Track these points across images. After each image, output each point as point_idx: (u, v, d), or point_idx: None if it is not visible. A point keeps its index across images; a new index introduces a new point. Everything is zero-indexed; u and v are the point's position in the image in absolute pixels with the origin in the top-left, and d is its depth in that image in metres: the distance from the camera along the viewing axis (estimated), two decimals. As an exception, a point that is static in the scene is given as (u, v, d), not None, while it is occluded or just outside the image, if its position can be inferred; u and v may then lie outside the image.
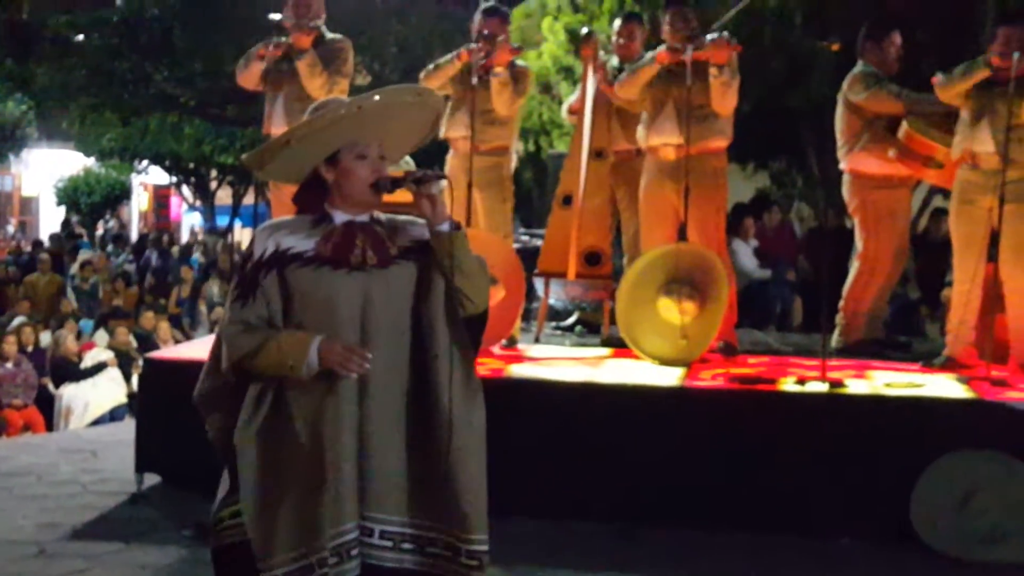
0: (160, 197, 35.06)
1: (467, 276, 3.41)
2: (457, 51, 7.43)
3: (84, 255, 19.85)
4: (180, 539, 5.92)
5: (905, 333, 9.18)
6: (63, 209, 30.61)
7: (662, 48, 7.15)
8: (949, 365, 6.92)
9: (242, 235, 26.40)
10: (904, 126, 7.23)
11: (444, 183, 3.44)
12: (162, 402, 6.69)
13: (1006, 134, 6.49)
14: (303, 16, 7.22)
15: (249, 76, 7.34)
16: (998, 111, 6.55)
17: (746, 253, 11.52)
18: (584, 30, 8.31)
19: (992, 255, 6.76)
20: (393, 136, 3.54)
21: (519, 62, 7.46)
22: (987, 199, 6.66)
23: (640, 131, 7.37)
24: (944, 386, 6.50)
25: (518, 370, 6.87)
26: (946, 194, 11.87)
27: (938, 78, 7.06)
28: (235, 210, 25.70)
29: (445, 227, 3.36)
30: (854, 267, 7.70)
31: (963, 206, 6.83)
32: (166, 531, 6.07)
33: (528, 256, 7.89)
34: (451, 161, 7.39)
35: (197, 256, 20.69)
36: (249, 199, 25.15)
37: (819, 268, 12.26)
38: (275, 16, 7.28)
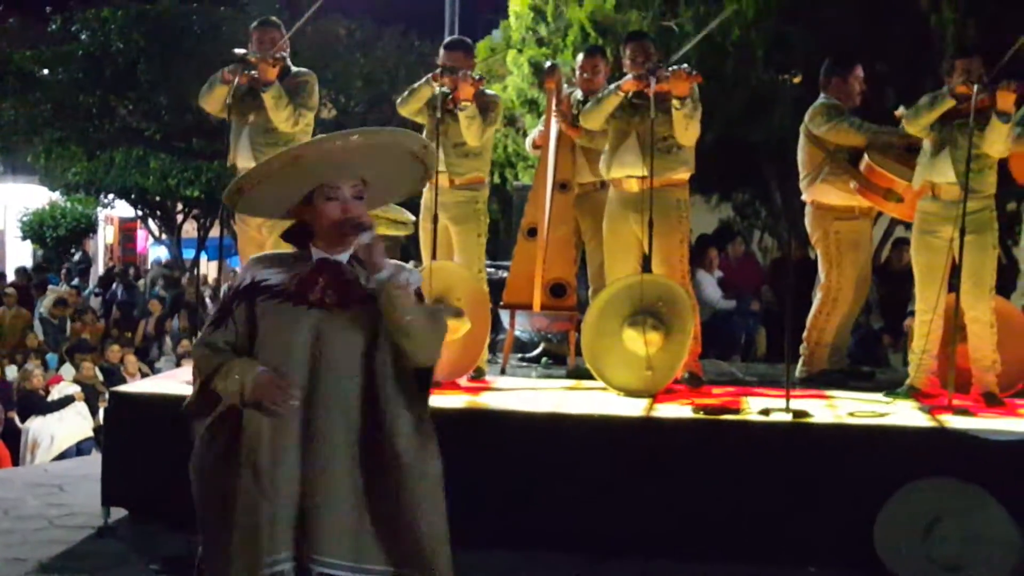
0: (126, 230, 34.77)
1: (404, 332, 3.37)
2: (430, 74, 7.43)
3: (53, 290, 19.73)
4: (147, 573, 5.90)
5: (868, 362, 9.23)
6: (28, 243, 30.38)
7: (627, 77, 7.16)
8: (912, 394, 6.96)
9: (208, 268, 26.32)
10: (865, 159, 7.29)
11: (366, 236, 3.36)
12: (128, 436, 6.67)
13: (967, 165, 6.56)
14: (268, 50, 7.19)
15: (212, 100, 7.27)
16: (958, 143, 6.62)
17: (710, 284, 11.57)
18: (548, 63, 8.32)
19: (953, 285, 6.81)
20: (375, 178, 3.51)
21: (487, 91, 7.46)
22: (947, 230, 6.70)
23: (603, 163, 7.39)
24: (907, 415, 6.54)
25: (485, 401, 6.86)
26: (908, 224, 12.15)
27: (902, 111, 7.15)
28: (201, 243, 25.57)
29: (375, 281, 3.35)
30: (817, 298, 7.74)
31: (924, 237, 6.89)
32: (133, 565, 6.03)
33: (494, 288, 7.86)
34: (425, 194, 7.33)
35: (158, 289, 20.58)
36: (215, 232, 25.10)
37: (783, 298, 12.36)
38: (240, 51, 7.23)
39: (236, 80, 7.08)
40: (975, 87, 6.51)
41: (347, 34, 18.83)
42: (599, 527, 6.12)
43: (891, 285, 11.18)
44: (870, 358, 10.02)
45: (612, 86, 7.25)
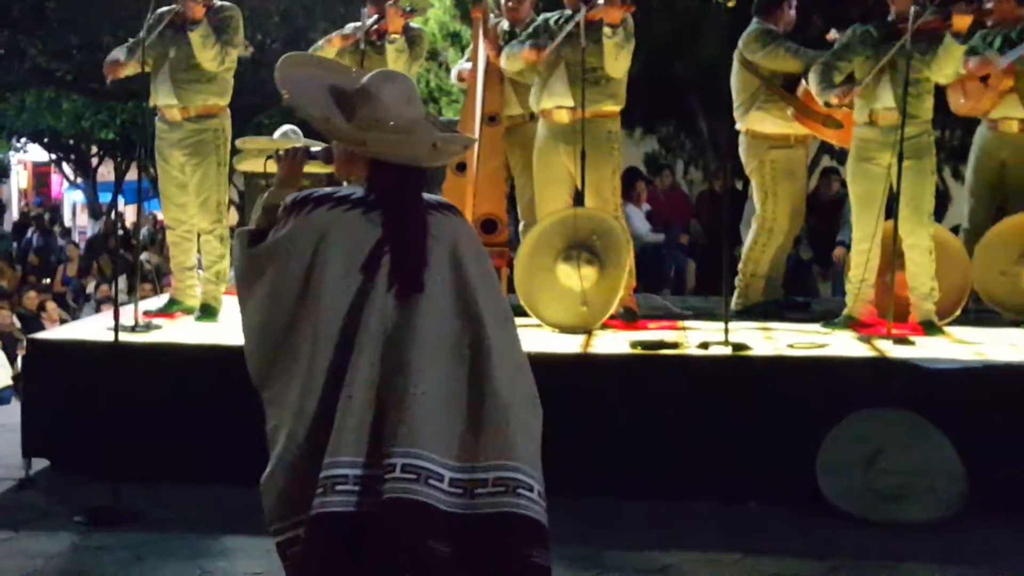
0: (40, 175, 34.13)
1: None
2: (329, 36, 7.40)
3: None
4: (72, 525, 5.65)
5: (798, 293, 9.14)
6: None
7: (527, 47, 7.03)
8: (850, 324, 6.89)
9: (126, 211, 25.85)
10: (803, 84, 7.17)
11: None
12: (48, 384, 6.48)
13: (905, 89, 6.44)
14: None
15: (114, 73, 7.14)
16: (898, 66, 6.50)
17: (638, 217, 11.49)
18: (478, -10, 8.08)
19: (890, 213, 6.73)
20: None
21: (413, 24, 7.24)
22: (885, 156, 6.63)
23: (532, 94, 7.21)
24: (847, 345, 6.49)
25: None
26: (833, 153, 12.12)
27: (833, 34, 7.05)
28: (118, 186, 25.07)
29: None
30: (752, 229, 7.64)
31: (861, 164, 6.80)
32: (57, 517, 5.79)
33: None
34: None
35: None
36: (132, 175, 24.66)
37: (711, 231, 12.31)
38: None
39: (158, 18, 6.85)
40: (912, 9, 6.40)
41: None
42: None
43: (820, 215, 11.11)
44: (801, 288, 9.94)
45: (524, 44, 7.05)
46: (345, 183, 3.65)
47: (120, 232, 21.02)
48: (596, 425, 6.00)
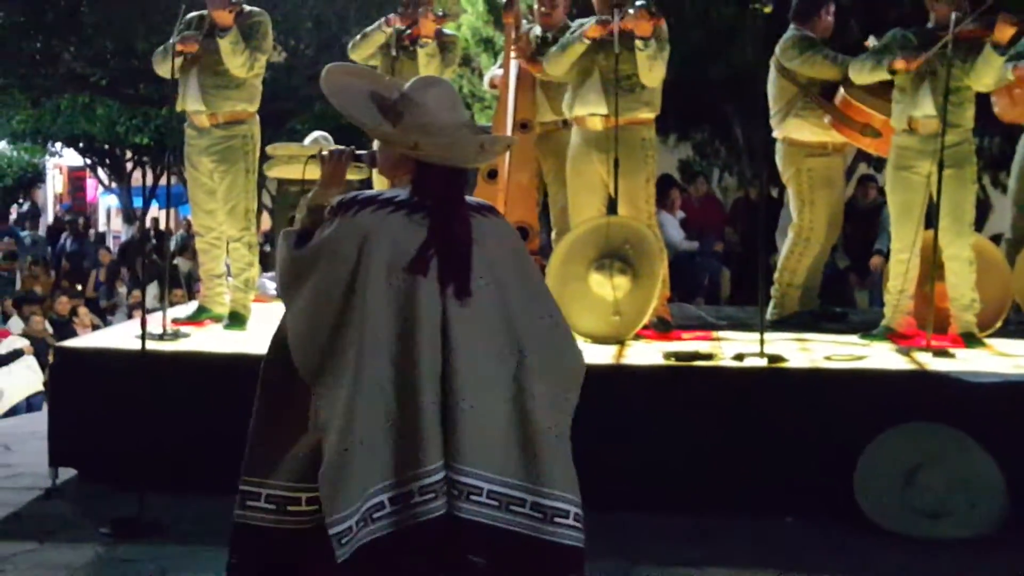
0: (75, 179, 34.35)
1: None
2: (383, 18, 7.26)
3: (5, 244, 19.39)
4: (97, 537, 5.60)
5: (835, 302, 9.04)
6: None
7: (591, 22, 6.89)
8: (888, 336, 6.80)
9: (160, 216, 25.93)
10: (841, 92, 7.11)
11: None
12: (76, 392, 6.43)
13: (945, 97, 6.35)
14: None
15: (166, 67, 6.90)
16: (939, 74, 6.42)
17: (672, 225, 11.43)
18: (509, -2, 8.02)
19: (930, 222, 6.64)
20: None
21: (446, 31, 7.19)
22: (925, 165, 6.56)
23: (566, 102, 7.14)
24: (885, 358, 6.40)
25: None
26: (870, 161, 12.01)
27: (872, 41, 6.95)
28: (152, 191, 25.17)
29: None
30: (789, 238, 7.56)
31: (901, 173, 6.71)
32: (82, 528, 5.75)
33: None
34: None
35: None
36: (166, 179, 24.65)
37: (746, 239, 12.22)
38: None
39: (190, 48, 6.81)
40: (952, 16, 6.32)
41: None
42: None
43: (857, 223, 11.01)
44: (838, 298, 9.84)
45: (576, 32, 6.96)
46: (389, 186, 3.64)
47: (153, 238, 21.16)
48: (629, 437, 5.92)
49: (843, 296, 10.63)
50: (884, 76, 6.63)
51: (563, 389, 3.51)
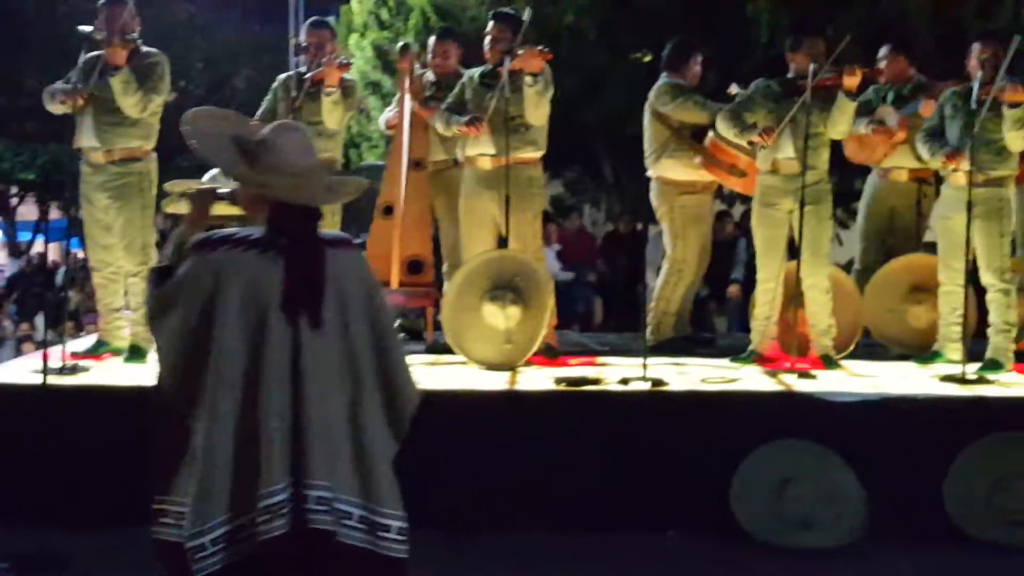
0: (-40, 215, 33.11)
1: None
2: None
3: None
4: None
5: (696, 327, 9.16)
6: None
7: (464, 119, 6.90)
8: (756, 359, 6.92)
9: (47, 250, 25.20)
10: (710, 135, 7.24)
11: None
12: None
13: (805, 142, 6.51)
14: (116, 30, 6.68)
15: (53, 107, 6.82)
16: (798, 121, 6.57)
17: (550, 257, 11.48)
18: (400, 44, 8.00)
19: (792, 254, 6.81)
20: None
21: (347, 76, 7.15)
22: (787, 202, 6.72)
23: (458, 142, 7.14)
24: (755, 380, 6.51)
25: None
26: (723, 197, 12.24)
27: (734, 89, 7.14)
28: (40, 226, 24.47)
29: None
30: (663, 269, 7.65)
31: (765, 209, 6.85)
32: (-17, 565, 5.55)
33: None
34: None
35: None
36: (54, 214, 24.19)
37: (616, 269, 12.37)
38: (86, 28, 6.69)
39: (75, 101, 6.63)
40: (811, 67, 6.51)
41: (187, 18, 18.11)
42: (464, 502, 5.85)
43: (715, 255, 11.15)
44: (699, 323, 9.94)
45: (465, 120, 6.89)
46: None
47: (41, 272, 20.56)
48: (522, 460, 5.89)
49: (704, 322, 10.77)
50: (744, 140, 6.81)
51: (396, 418, 3.63)
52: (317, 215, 3.55)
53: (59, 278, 16.60)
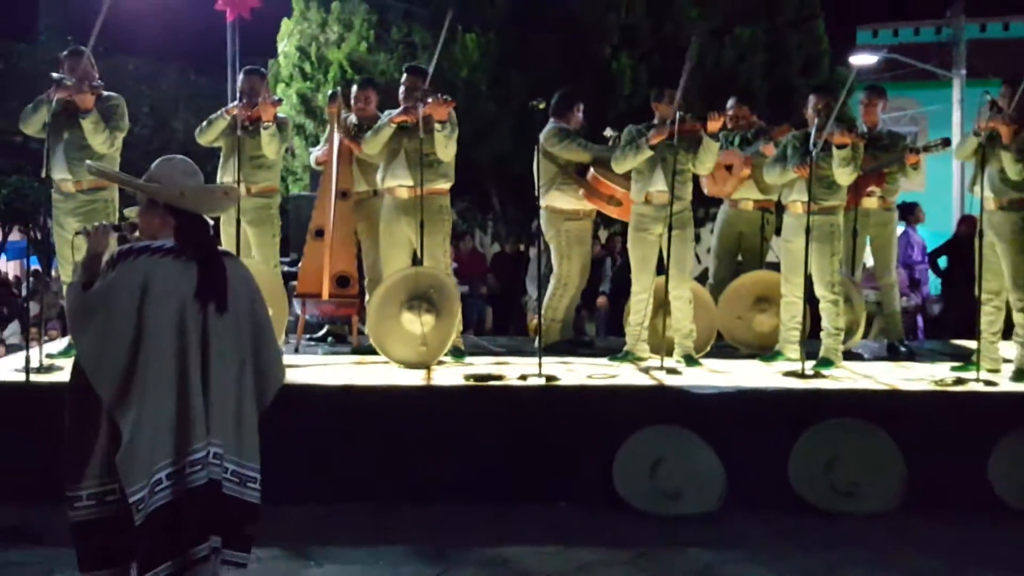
0: (-69, 235, 31.66)
1: None
2: (223, 108, 6.95)
3: None
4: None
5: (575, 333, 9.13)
6: None
7: (398, 111, 6.76)
8: (630, 359, 6.85)
9: (6, 267, 24.32)
10: (591, 171, 7.19)
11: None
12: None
13: (674, 176, 6.49)
14: (83, 78, 6.39)
15: (35, 121, 6.44)
16: (668, 159, 6.55)
17: (448, 273, 11.30)
18: (331, 91, 7.81)
19: (660, 271, 6.78)
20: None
21: (280, 114, 6.93)
22: (658, 228, 6.69)
23: (379, 175, 6.97)
24: (632, 376, 6.45)
25: (288, 377, 6.25)
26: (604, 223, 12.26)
27: (610, 132, 7.10)
28: (1, 246, 23.56)
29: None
30: (551, 283, 7.55)
31: (639, 233, 6.81)
32: (-32, 538, 5.24)
33: (286, 280, 7.42)
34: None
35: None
36: (14, 236, 23.36)
37: (504, 284, 12.28)
38: (56, 75, 6.40)
39: (55, 98, 6.30)
40: (677, 115, 6.47)
41: (134, 68, 17.64)
42: (388, 480, 5.74)
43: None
44: (576, 329, 9.92)
45: (386, 118, 6.82)
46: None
47: (5, 284, 19.76)
48: (438, 444, 5.78)
49: (578, 327, 10.74)
50: (647, 154, 6.59)
51: (264, 393, 3.79)
52: (209, 227, 3.83)
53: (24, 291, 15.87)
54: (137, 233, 3.80)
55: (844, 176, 6.49)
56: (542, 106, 6.59)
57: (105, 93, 6.59)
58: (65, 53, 6.70)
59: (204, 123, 6.99)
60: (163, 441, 3.48)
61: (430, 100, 6.57)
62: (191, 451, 3.50)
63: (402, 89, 6.86)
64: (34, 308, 14.67)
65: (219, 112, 6.97)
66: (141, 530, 3.47)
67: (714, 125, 6.53)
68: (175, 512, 3.50)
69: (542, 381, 6.07)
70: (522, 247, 13.11)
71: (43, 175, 6.51)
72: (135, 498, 3.44)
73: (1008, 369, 6.43)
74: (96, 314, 3.51)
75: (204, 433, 3.52)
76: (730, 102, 7.64)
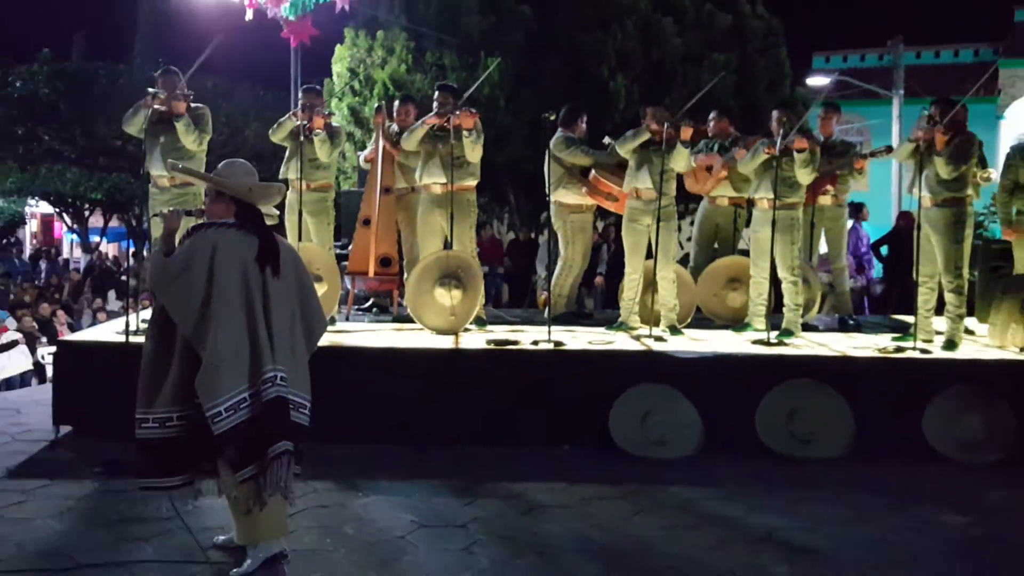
0: (46, 222, 31.76)
1: None
2: (291, 111, 6.89)
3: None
4: (92, 475, 5.13)
5: (578, 306, 9.05)
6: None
7: (432, 114, 6.70)
8: (624, 328, 6.78)
9: (107, 248, 24.39)
10: (593, 172, 7.09)
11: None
12: (74, 372, 5.86)
13: (660, 176, 6.39)
14: (176, 89, 6.33)
15: (135, 122, 6.34)
16: (653, 161, 6.46)
17: (472, 256, 11.23)
18: (376, 105, 7.73)
19: (649, 255, 6.70)
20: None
21: (334, 123, 6.85)
22: (647, 219, 6.59)
23: (416, 174, 6.89)
24: (626, 342, 6.37)
25: (340, 340, 6.23)
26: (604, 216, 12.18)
27: (608, 140, 6.99)
28: (103, 231, 23.62)
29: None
30: (558, 266, 7.47)
31: (631, 224, 6.71)
32: (80, 469, 5.24)
33: (339, 260, 7.32)
34: (289, 196, 6.71)
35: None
36: (113, 223, 23.43)
37: (519, 265, 12.20)
38: (152, 89, 6.35)
39: (151, 108, 6.24)
40: (665, 125, 6.37)
41: (211, 86, 17.54)
42: (424, 426, 5.71)
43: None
44: (578, 303, 9.85)
45: (420, 121, 6.76)
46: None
47: (107, 263, 19.85)
48: (464, 397, 5.75)
49: (579, 302, 10.63)
50: (645, 137, 6.45)
51: (312, 336, 3.97)
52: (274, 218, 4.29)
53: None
54: (204, 217, 3.92)
55: (804, 176, 6.39)
56: (552, 117, 6.50)
57: (193, 104, 6.54)
58: (159, 72, 6.62)
59: (276, 124, 6.89)
60: (240, 368, 3.63)
61: (459, 112, 6.50)
62: (263, 373, 3.64)
63: (435, 104, 6.77)
64: (131, 282, 14.77)
65: (287, 115, 6.90)
66: (223, 440, 3.63)
67: (685, 133, 6.39)
68: (254, 425, 3.64)
69: (551, 346, 6.01)
70: (533, 235, 13.03)
71: (141, 172, 6.48)
72: (211, 412, 3.60)
73: (940, 340, 6.35)
74: (179, 271, 3.68)
75: (271, 360, 3.67)
76: (712, 115, 7.52)
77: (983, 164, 6.54)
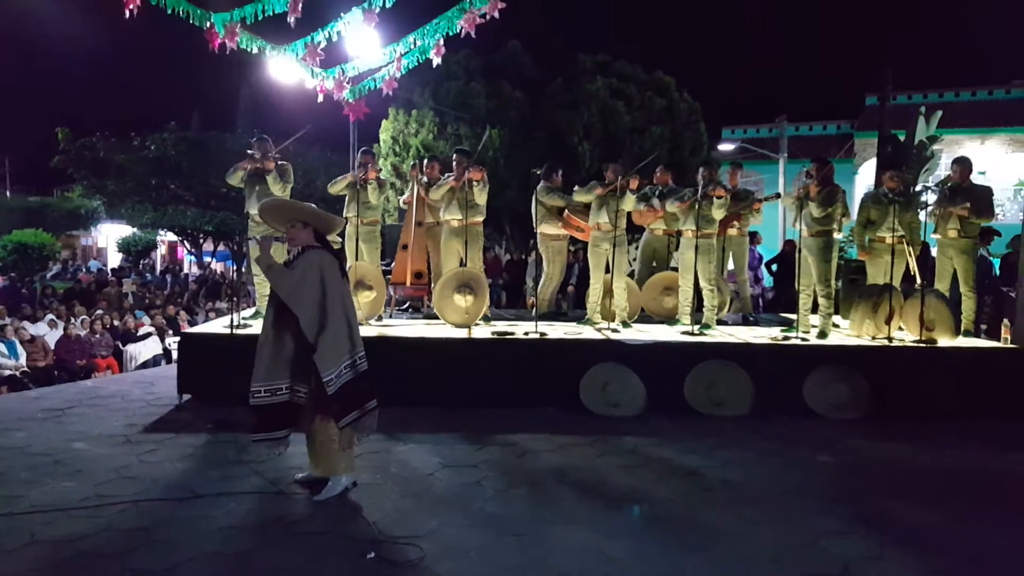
0: (172, 247, 31.63)
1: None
2: (346, 174, 6.88)
3: (134, 279, 17.68)
4: (207, 430, 5.10)
5: (556, 308, 9.01)
6: (119, 255, 27.27)
7: (451, 177, 6.69)
8: (589, 323, 6.74)
9: (216, 266, 24.33)
10: (566, 212, 7.04)
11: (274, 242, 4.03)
12: (194, 355, 5.82)
13: (615, 214, 6.39)
14: (267, 151, 6.34)
15: (235, 177, 6.37)
16: (610, 203, 6.45)
17: (480, 272, 11.14)
18: (412, 163, 7.73)
19: (607, 271, 6.66)
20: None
21: (382, 176, 6.84)
22: (606, 246, 6.55)
23: (441, 212, 6.87)
24: (592, 333, 6.31)
25: (384, 331, 6.20)
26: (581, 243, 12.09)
27: (578, 189, 6.97)
28: (213, 253, 23.53)
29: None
30: (542, 278, 7.42)
31: (595, 248, 6.67)
32: (198, 426, 5.22)
33: (384, 274, 7.31)
34: (348, 228, 6.71)
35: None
36: (221, 248, 23.32)
37: (516, 279, 12.15)
38: (249, 152, 6.36)
39: (248, 167, 6.23)
40: (618, 178, 6.37)
41: (291, 148, 17.55)
42: (448, 394, 5.70)
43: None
44: (556, 305, 9.80)
45: (444, 180, 6.73)
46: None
47: (216, 276, 19.74)
48: (476, 372, 5.73)
49: (557, 305, 10.48)
50: (600, 192, 6.45)
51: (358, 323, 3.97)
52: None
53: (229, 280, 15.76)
54: (286, 243, 3.93)
55: (718, 214, 6.41)
56: (538, 172, 6.51)
57: (280, 161, 6.53)
58: (255, 139, 6.60)
59: (335, 180, 6.89)
60: (344, 346, 3.72)
61: (471, 169, 6.50)
62: (356, 350, 3.75)
63: (454, 163, 6.77)
64: (233, 289, 14.67)
65: (342, 175, 6.90)
66: (335, 398, 3.68)
67: (633, 183, 6.37)
68: (354, 385, 3.72)
69: (537, 336, 6.00)
70: (523, 256, 13.00)
71: (245, 211, 6.46)
72: (327, 378, 3.68)
73: (815, 331, 6.36)
74: (305, 285, 3.71)
75: (361, 342, 3.79)
76: (658, 169, 7.52)
77: (845, 207, 6.57)
